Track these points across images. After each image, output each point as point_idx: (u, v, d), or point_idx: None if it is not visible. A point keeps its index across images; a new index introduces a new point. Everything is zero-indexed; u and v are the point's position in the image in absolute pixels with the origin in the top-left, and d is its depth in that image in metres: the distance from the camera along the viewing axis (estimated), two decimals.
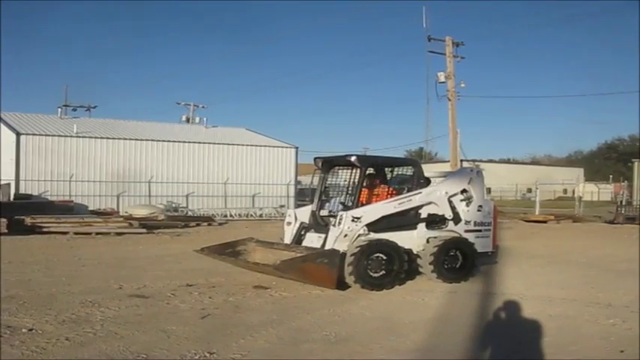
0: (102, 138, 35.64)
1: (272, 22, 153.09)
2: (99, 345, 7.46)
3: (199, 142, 38.40)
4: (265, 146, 40.05)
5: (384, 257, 11.53)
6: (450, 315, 9.75)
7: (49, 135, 34.59)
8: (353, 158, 12.48)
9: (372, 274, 11.36)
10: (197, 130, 43.09)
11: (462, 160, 50.90)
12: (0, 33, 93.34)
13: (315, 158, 13.85)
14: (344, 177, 13.59)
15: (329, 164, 13.60)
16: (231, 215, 34.51)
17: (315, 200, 13.23)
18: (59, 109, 42.37)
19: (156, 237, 22.63)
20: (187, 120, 48.42)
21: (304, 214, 13.13)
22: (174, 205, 35.13)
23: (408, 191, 12.63)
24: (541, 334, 8.36)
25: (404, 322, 9.07)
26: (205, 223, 29.46)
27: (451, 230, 12.93)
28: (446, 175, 14.22)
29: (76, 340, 7.67)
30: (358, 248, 11.27)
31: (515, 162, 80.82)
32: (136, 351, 7.22)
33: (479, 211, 13.30)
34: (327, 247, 11.46)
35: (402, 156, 45.29)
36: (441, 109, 38.80)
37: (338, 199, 13.31)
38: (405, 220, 12.49)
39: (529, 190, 63.81)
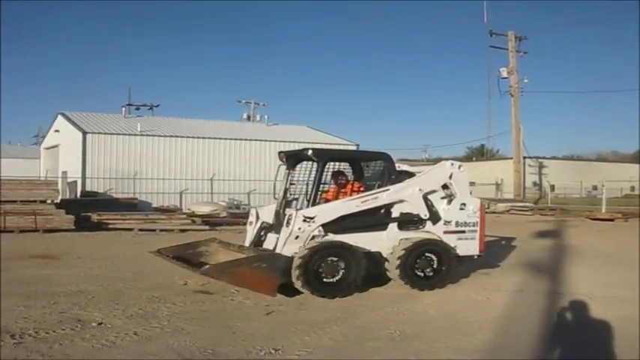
0: (165, 136, 36.23)
1: (333, 20, 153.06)
2: (166, 340, 7.57)
3: (260, 140, 38.68)
4: (326, 143, 40.03)
5: (340, 261, 10.49)
6: (517, 314, 9.57)
7: (113, 133, 35.33)
8: (310, 152, 11.55)
9: (325, 279, 10.36)
10: (258, 128, 43.43)
11: (524, 157, 50.31)
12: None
13: (280, 152, 12.63)
14: (312, 173, 12.13)
15: (294, 159, 12.32)
16: None
17: (279, 198, 12.09)
18: (123, 109, 43.17)
19: (218, 234, 22.79)
20: (248, 118, 48.91)
21: (268, 213, 12.06)
22: (236, 203, 35.40)
23: (379, 188, 11.52)
24: (611, 335, 8.14)
25: (469, 321, 8.94)
26: None
27: (427, 231, 11.70)
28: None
29: (144, 334, 7.80)
30: (306, 251, 10.30)
31: (580, 159, 79.00)
32: (202, 346, 7.31)
33: (461, 209, 11.94)
34: (277, 250, 10.64)
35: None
36: (503, 105, 38.24)
37: (306, 197, 12.06)
38: (373, 219, 11.39)
39: (594, 188, 62.24)
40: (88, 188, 33.32)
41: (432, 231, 11.68)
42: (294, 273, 10.12)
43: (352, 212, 11.02)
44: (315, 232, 10.72)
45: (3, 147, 73.11)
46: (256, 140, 38.54)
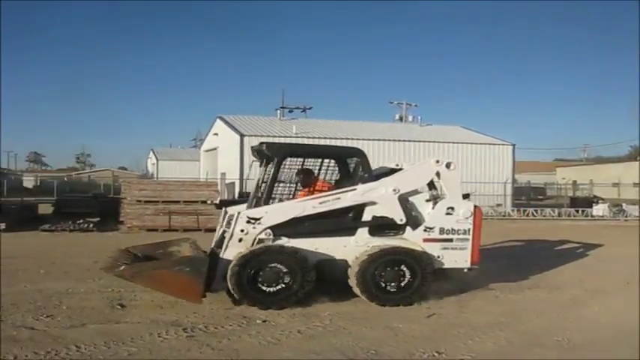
0: (320, 138, 36.66)
1: (487, 20, 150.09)
2: (329, 339, 7.68)
3: (413, 141, 38.43)
4: (480, 144, 39.30)
5: (283, 269, 9.26)
6: None
7: (270, 136, 36.16)
8: (264, 147, 10.27)
9: (264, 287, 9.18)
10: (411, 129, 43.21)
11: None
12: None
13: (252, 147, 11.17)
14: (292, 169, 10.99)
15: (263, 155, 10.81)
16: None
17: (250, 197, 10.92)
18: (278, 111, 44.28)
19: None
20: (400, 119, 48.79)
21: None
22: None
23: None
24: None
25: None
26: None
27: (403, 238, 10.12)
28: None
29: (307, 333, 7.95)
30: (242, 255, 9.24)
31: None
32: (365, 347, 7.35)
33: (448, 214, 10.23)
34: (222, 254, 9.59)
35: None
36: None
37: (279, 196, 10.85)
38: (339, 223, 10.03)
39: None
40: (246, 189, 34.32)
41: (411, 238, 10.14)
42: (230, 278, 9.12)
43: (310, 214, 9.80)
44: (262, 235, 9.61)
45: (165, 150, 77.11)
46: (408, 141, 38.31)
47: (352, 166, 10.78)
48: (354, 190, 9.97)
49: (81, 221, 23.17)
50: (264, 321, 8.44)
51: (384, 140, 37.64)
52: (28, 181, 71.89)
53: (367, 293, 9.52)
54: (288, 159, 10.58)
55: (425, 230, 10.15)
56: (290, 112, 46.35)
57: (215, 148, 42.80)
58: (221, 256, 9.53)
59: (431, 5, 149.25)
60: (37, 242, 18.33)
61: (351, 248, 9.87)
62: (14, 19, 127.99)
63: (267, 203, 9.94)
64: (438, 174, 10.46)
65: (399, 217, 10.05)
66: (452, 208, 10.25)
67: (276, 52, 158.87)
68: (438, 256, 10.11)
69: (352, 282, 9.58)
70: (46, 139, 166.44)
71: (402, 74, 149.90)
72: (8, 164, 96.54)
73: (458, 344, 7.55)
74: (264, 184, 10.45)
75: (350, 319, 8.62)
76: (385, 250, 9.71)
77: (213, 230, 21.25)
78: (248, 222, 9.59)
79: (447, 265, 10.19)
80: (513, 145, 39.61)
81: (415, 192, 10.42)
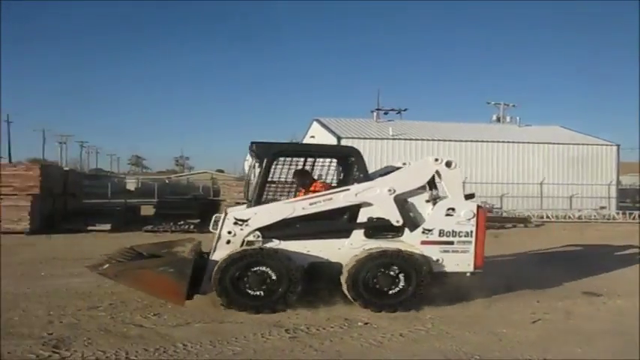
0: (416, 140, 36.39)
1: (585, 18, 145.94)
2: (432, 342, 7.63)
3: (511, 142, 37.63)
4: (582, 144, 38.14)
5: (271, 272, 8.98)
6: None
7: (366, 138, 36.14)
8: (253, 146, 9.99)
9: (249, 291, 8.95)
10: (509, 130, 42.35)
11: None
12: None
13: (249, 147, 10.57)
14: (290, 170, 10.68)
15: None
16: (547, 217, 33.25)
17: (249, 198, 10.44)
18: (374, 113, 44.16)
19: None
20: (498, 119, 47.87)
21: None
22: (488, 206, 34.73)
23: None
24: None
25: None
26: (521, 225, 28.70)
27: (400, 240, 9.66)
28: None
29: (410, 336, 7.91)
30: (226, 258, 9.00)
31: None
32: (468, 351, 7.26)
33: (448, 215, 9.70)
34: (210, 255, 9.40)
35: None
36: None
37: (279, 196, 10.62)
38: (332, 225, 9.76)
39: None
40: None
41: (408, 240, 9.67)
42: (214, 280, 8.93)
43: (300, 215, 9.51)
44: (251, 237, 9.37)
45: None
46: (506, 142, 37.52)
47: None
48: (347, 190, 9.69)
49: (181, 222, 23.76)
50: (366, 323, 8.45)
51: (481, 142, 37.02)
52: (131, 184, 74.50)
53: (359, 298, 9.18)
54: (281, 159, 10.37)
55: (423, 232, 9.71)
56: (385, 114, 46.10)
57: None
58: (210, 257, 9.40)
59: (527, 6, 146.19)
60: (140, 242, 18.81)
61: (345, 251, 9.55)
62: (118, 18, 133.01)
63: (257, 204, 9.71)
64: (438, 173, 10.02)
65: (395, 218, 9.68)
66: (452, 209, 9.76)
67: (372, 53, 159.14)
68: (438, 260, 9.66)
69: (344, 286, 9.26)
70: (147, 142, 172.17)
71: (500, 75, 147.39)
72: (111, 167, 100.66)
73: (565, 351, 7.36)
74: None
75: (452, 323, 8.51)
76: (378, 253, 9.36)
77: None
78: (235, 223, 9.42)
79: (447, 269, 9.72)
80: (618, 146, 38.25)
81: (416, 192, 9.96)
